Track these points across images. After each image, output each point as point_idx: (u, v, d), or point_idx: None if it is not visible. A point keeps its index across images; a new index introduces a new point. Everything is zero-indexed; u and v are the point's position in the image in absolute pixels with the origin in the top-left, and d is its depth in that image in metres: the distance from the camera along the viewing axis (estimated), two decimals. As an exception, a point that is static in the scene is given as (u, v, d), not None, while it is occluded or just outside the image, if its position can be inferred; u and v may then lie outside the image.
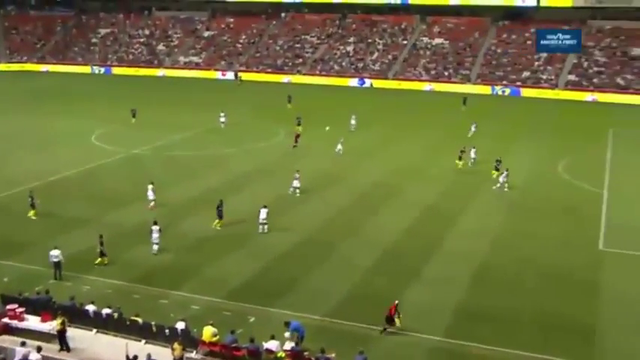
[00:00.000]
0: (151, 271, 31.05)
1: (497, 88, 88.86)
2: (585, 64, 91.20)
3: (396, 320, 25.43)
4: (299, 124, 60.44)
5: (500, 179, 44.59)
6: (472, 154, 49.99)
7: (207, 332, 23.20)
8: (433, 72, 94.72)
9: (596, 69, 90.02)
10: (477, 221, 38.41)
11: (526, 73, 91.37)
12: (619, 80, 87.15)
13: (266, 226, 35.72)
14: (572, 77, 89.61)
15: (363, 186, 44.89)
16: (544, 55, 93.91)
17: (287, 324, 24.15)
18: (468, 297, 28.83)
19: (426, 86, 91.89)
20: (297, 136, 55.66)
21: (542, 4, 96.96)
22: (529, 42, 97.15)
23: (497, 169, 46.36)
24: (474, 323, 26.59)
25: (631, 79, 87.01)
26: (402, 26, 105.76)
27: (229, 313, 26.77)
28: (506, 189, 44.13)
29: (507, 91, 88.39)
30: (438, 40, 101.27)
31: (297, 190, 42.38)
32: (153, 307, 27.09)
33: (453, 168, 49.10)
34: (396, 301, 25.81)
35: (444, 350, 24.80)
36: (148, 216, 37.52)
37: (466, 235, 36.18)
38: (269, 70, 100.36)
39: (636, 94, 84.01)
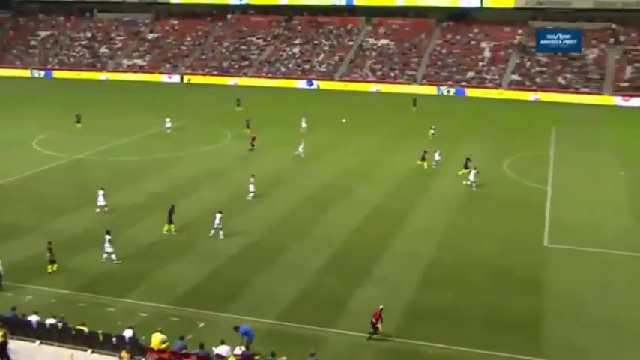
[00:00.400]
0: (97, 278, 30.47)
1: (443, 88, 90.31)
2: (528, 64, 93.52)
3: (379, 326, 25.25)
4: (248, 127, 60.19)
5: (471, 177, 45.47)
6: (437, 156, 50.81)
7: (156, 339, 22.91)
8: (379, 73, 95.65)
9: (538, 69, 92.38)
10: (426, 221, 38.97)
11: (471, 73, 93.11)
12: (560, 80, 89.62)
13: (221, 232, 35.38)
14: (515, 77, 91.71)
15: (314, 187, 45.02)
16: (487, 55, 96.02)
17: (236, 328, 24.04)
18: (417, 296, 29.18)
19: (373, 87, 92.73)
20: (253, 138, 55.47)
21: (486, 5, 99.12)
22: (473, 42, 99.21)
23: (466, 167, 47.41)
24: (423, 322, 26.96)
25: (571, 78, 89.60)
26: (348, 27, 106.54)
27: (178, 319, 26.48)
28: (474, 188, 44.95)
29: (452, 91, 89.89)
30: (383, 41, 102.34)
31: (252, 195, 42.05)
32: (99, 315, 26.59)
33: (404, 168, 49.86)
34: (381, 306, 25.80)
35: (394, 350, 25.04)
36: (93, 222, 36.81)
37: (415, 234, 36.65)
38: (215, 72, 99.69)
39: (577, 93, 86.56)
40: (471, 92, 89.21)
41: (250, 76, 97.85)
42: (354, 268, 31.92)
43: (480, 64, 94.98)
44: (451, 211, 40.78)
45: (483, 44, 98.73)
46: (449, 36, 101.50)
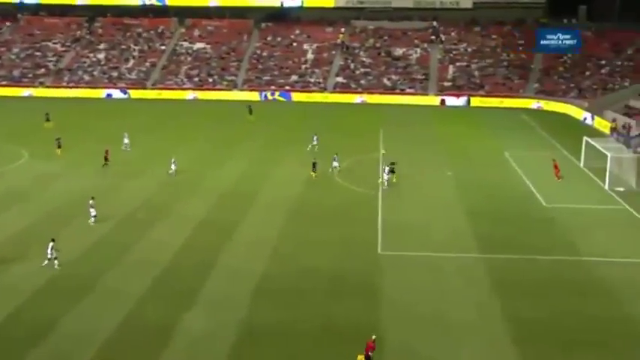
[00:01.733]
0: None
1: (267, 93, 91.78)
2: (352, 66, 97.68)
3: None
4: (59, 147, 57.52)
5: (385, 176, 48.66)
6: (334, 163, 53.16)
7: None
8: (196, 79, 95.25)
9: (362, 70, 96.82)
10: (255, 231, 39.49)
11: (294, 77, 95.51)
12: (385, 81, 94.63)
13: (56, 261, 33.86)
14: (340, 79, 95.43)
15: (132, 205, 43.98)
16: (311, 56, 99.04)
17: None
18: (249, 314, 29.40)
19: (190, 95, 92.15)
20: (107, 151, 53.90)
21: (306, 4, 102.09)
22: (295, 44, 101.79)
23: (392, 172, 49.71)
24: (257, 341, 27.22)
25: (396, 79, 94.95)
26: (159, 30, 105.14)
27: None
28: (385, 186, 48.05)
29: (277, 94, 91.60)
30: (199, 45, 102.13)
31: (94, 219, 40.47)
32: None
33: (230, 179, 50.22)
34: (373, 337, 25.68)
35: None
36: None
37: (245, 247, 37.00)
38: (4, 82, 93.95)
39: (402, 94, 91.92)
40: (296, 97, 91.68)
41: (48, 86, 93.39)
42: (181, 290, 31.54)
43: (304, 66, 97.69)
44: (282, 220, 41.63)
45: (306, 45, 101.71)
46: (269, 38, 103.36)
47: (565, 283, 33.18)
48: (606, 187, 50.02)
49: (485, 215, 43.55)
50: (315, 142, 60.77)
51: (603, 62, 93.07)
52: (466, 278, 33.72)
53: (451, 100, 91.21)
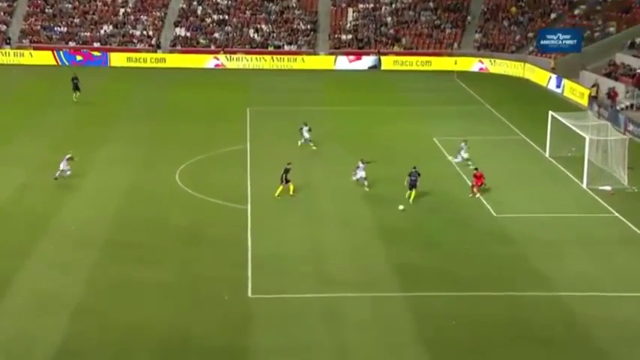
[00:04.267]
0: None
1: (62, 53, 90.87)
2: (199, 11, 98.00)
3: None
4: None
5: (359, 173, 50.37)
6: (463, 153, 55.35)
7: None
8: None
9: (216, 17, 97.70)
10: (45, 278, 38.25)
11: (107, 28, 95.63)
12: (252, 34, 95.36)
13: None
14: (181, 32, 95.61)
15: None
16: None
17: None
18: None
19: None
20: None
21: None
22: None
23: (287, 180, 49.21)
24: None
25: (268, 31, 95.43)
26: None
27: None
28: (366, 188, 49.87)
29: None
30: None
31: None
32: None
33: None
34: None
35: None
36: None
37: (29, 302, 35.73)
38: None
39: (278, 53, 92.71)
40: (114, 59, 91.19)
41: None
42: None
43: (122, 11, 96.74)
44: (93, 254, 40.74)
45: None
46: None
47: (531, 334, 33.49)
48: (584, 185, 51.37)
49: (406, 235, 43.81)
50: (306, 136, 59.52)
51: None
52: (381, 329, 33.60)
53: (352, 62, 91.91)
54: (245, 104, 73.10)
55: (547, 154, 57.39)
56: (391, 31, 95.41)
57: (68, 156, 51.43)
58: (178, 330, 33.44)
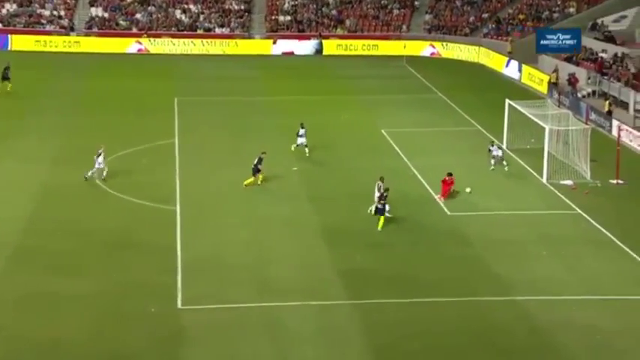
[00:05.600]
0: None
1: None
2: None
3: None
4: None
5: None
6: None
7: None
8: None
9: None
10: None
11: (11, 7, 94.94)
12: (179, 14, 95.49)
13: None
14: (97, 12, 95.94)
15: None
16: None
17: None
18: None
19: None
20: None
21: None
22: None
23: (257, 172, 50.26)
24: None
25: (197, 11, 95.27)
26: None
27: None
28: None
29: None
30: None
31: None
32: None
33: None
34: None
35: None
36: None
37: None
38: None
39: (208, 37, 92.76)
40: (17, 42, 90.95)
41: None
42: None
43: None
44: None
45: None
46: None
47: (490, 342, 33.73)
48: (544, 179, 51.99)
49: (354, 236, 43.94)
50: (301, 141, 56.99)
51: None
52: (327, 341, 33.67)
53: (291, 46, 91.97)
54: (172, 94, 72.90)
55: (504, 146, 57.79)
56: (334, 12, 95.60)
57: (100, 150, 51.11)
58: (99, 347, 33.13)
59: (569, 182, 51.20)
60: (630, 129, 59.91)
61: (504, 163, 53.32)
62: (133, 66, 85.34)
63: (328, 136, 61.01)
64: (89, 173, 50.89)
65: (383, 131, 62.17)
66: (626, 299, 37.17)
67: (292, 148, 57.17)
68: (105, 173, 50.62)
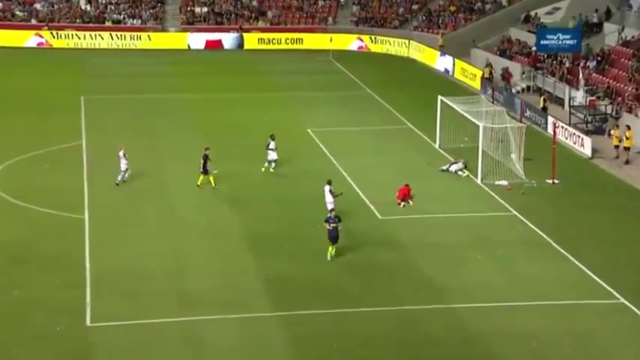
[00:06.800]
0: None
1: None
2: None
3: None
4: None
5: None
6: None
7: None
8: None
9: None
10: None
11: None
12: (83, 4, 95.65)
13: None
14: None
15: None
16: None
17: None
18: None
19: None
20: None
21: None
22: None
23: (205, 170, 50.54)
24: None
25: (104, 2, 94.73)
26: None
27: None
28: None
29: None
30: None
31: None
32: None
33: None
34: None
35: None
36: None
37: None
38: None
39: (116, 29, 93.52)
40: None
41: None
42: None
43: None
44: None
45: None
46: None
47: (425, 354, 34.13)
48: (478, 180, 52.71)
49: (279, 243, 44.15)
50: (272, 157, 54.53)
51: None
52: (251, 356, 33.92)
53: (209, 40, 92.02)
54: (78, 92, 72.49)
55: (437, 145, 58.52)
56: (255, 3, 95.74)
57: (122, 152, 51.18)
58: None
59: (504, 182, 51.89)
60: (566, 126, 60.91)
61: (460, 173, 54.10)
62: (32, 61, 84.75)
63: (251, 137, 61.19)
64: (119, 178, 51.18)
65: (309, 131, 62.61)
66: (563, 304, 37.76)
67: (262, 170, 54.84)
68: (127, 175, 51.48)
